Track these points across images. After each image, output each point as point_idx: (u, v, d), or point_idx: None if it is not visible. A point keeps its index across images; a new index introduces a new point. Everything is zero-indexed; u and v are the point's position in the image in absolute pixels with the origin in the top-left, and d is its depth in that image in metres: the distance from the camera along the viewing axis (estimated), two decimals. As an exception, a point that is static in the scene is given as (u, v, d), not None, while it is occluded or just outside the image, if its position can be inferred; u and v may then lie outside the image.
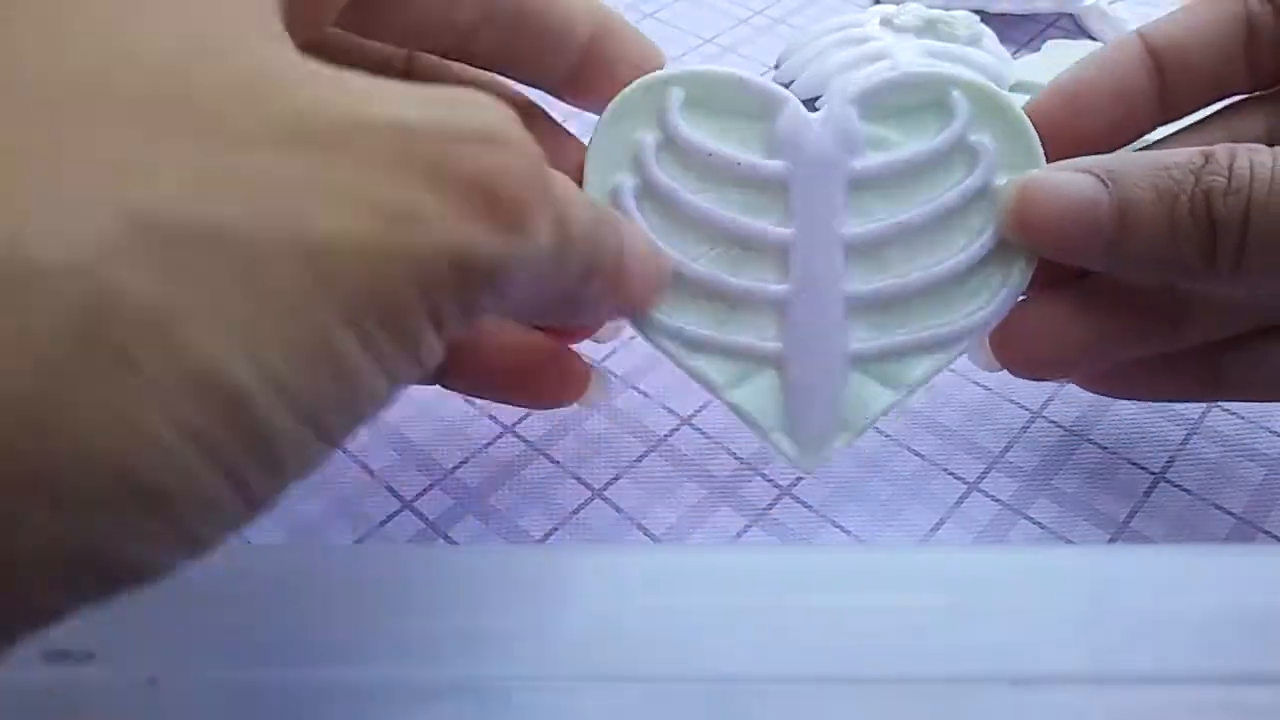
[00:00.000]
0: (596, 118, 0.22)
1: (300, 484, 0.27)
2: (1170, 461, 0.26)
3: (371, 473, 0.26)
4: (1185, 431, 0.27)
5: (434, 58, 0.22)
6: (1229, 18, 0.22)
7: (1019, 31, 0.42)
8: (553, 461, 0.26)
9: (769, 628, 0.18)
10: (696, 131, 0.23)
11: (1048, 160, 0.22)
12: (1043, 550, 0.23)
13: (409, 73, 0.22)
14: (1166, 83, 0.22)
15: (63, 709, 0.17)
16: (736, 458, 0.26)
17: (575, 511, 0.25)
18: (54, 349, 0.11)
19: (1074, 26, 0.42)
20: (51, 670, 0.17)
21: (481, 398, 0.26)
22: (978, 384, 0.28)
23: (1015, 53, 0.40)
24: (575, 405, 0.24)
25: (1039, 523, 0.25)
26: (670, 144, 0.23)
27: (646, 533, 0.25)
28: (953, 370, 0.28)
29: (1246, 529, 0.25)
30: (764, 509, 0.25)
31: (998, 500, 0.25)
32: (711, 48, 0.42)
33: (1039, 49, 0.40)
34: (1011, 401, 0.28)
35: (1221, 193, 0.19)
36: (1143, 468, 0.26)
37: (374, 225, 0.13)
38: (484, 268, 0.14)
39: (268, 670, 0.18)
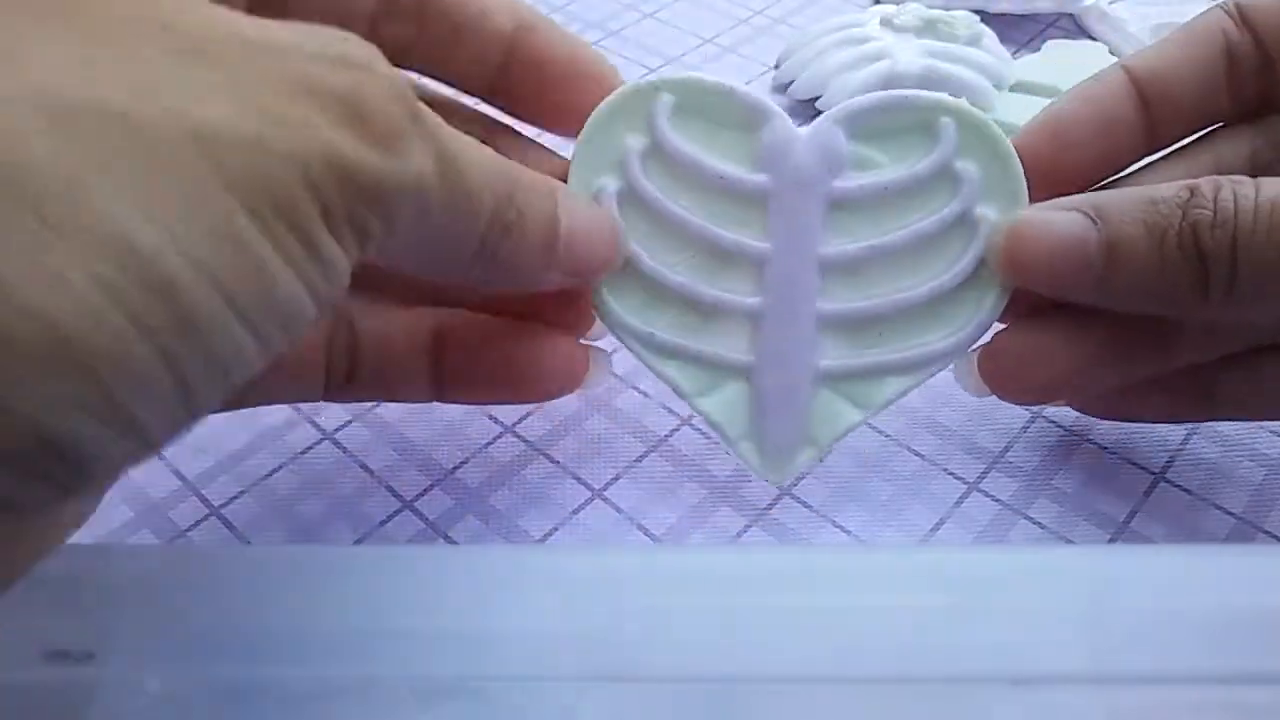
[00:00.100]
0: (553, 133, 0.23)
1: (300, 484, 0.27)
2: (1170, 461, 0.26)
3: (371, 473, 0.26)
4: (1185, 431, 0.27)
5: None
6: (1210, 47, 0.23)
7: (1019, 31, 0.42)
8: (553, 461, 0.26)
9: (769, 628, 0.18)
10: (684, 139, 0.23)
11: (1032, 191, 0.22)
12: (1043, 550, 0.23)
13: None
14: (1152, 114, 0.23)
15: (63, 709, 0.17)
16: (736, 458, 0.26)
17: (575, 511, 0.25)
18: None
19: (1074, 26, 0.42)
20: (51, 670, 0.17)
21: (483, 402, 0.26)
22: (978, 384, 0.28)
23: (1015, 53, 0.40)
24: (578, 390, 0.24)
25: (1039, 523, 0.25)
26: (657, 150, 0.23)
27: (646, 533, 0.25)
28: (953, 370, 0.28)
29: (1246, 529, 0.25)
30: (764, 509, 0.25)
31: (998, 500, 0.25)
32: (711, 48, 0.42)
33: (1039, 49, 0.40)
34: (1011, 401, 0.28)
35: (1209, 225, 0.19)
36: (1143, 468, 0.26)
37: (255, 123, 0.14)
38: (363, 178, 0.15)
39: (268, 670, 0.18)
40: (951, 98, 0.23)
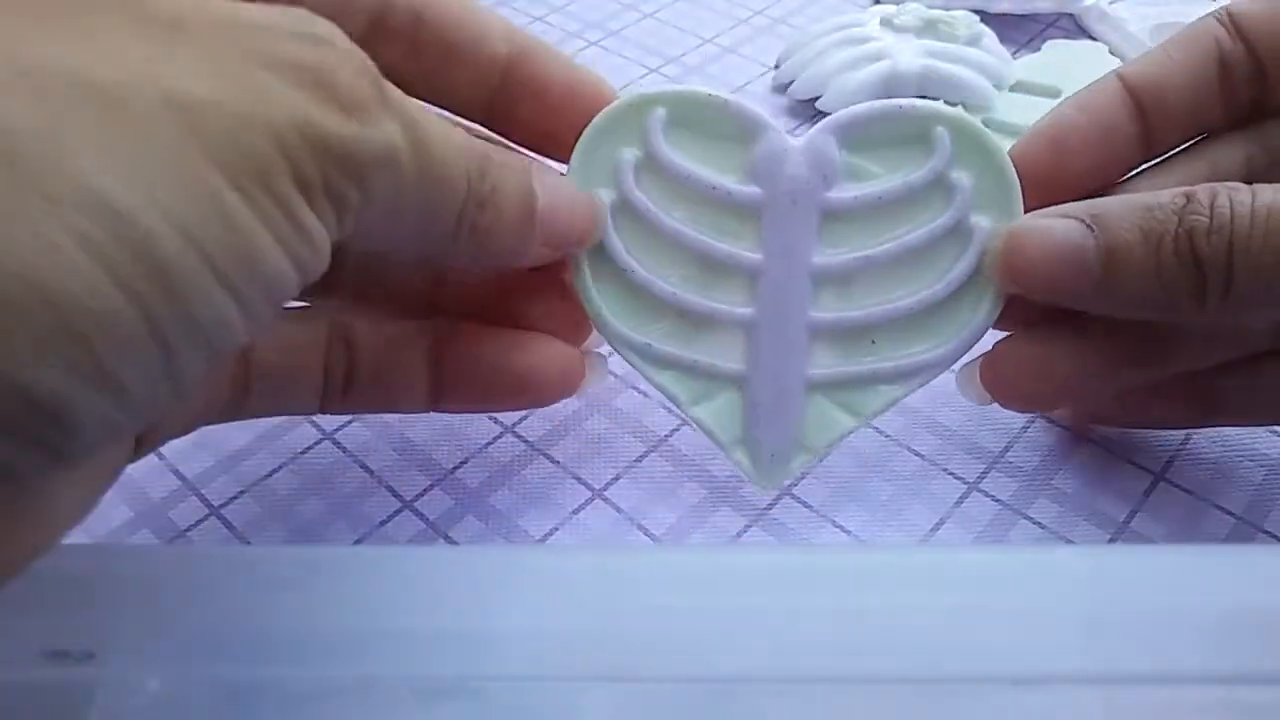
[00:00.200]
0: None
1: (300, 484, 0.27)
2: (1170, 461, 0.26)
3: (371, 473, 0.26)
4: (1185, 432, 0.27)
5: None
6: (1203, 55, 0.23)
7: (1019, 31, 0.42)
8: (553, 461, 0.26)
9: (769, 628, 0.18)
10: (677, 151, 0.23)
11: (1028, 201, 0.22)
12: (1043, 550, 0.23)
13: None
14: (1147, 122, 0.23)
15: (63, 709, 0.17)
16: (736, 458, 0.26)
17: (575, 511, 0.25)
18: None
19: (1074, 26, 0.42)
20: (51, 670, 0.17)
21: (481, 410, 0.26)
22: (978, 384, 0.28)
23: (1015, 53, 0.40)
24: (576, 394, 0.24)
25: (1039, 523, 0.25)
26: (650, 162, 0.23)
27: (646, 533, 0.25)
28: (953, 370, 0.28)
29: (1246, 529, 0.25)
30: (764, 509, 0.25)
31: (998, 500, 0.25)
32: (711, 48, 0.42)
33: (1039, 49, 0.40)
34: (1011, 401, 0.28)
35: (1204, 232, 0.19)
36: (1143, 468, 0.26)
37: (228, 92, 0.14)
38: (335, 146, 0.15)
39: (268, 670, 0.18)
40: (947, 107, 0.23)
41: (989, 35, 0.39)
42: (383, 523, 0.25)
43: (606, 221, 0.23)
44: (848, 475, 0.26)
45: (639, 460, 0.26)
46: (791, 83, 0.38)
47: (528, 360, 0.23)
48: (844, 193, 0.23)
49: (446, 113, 0.22)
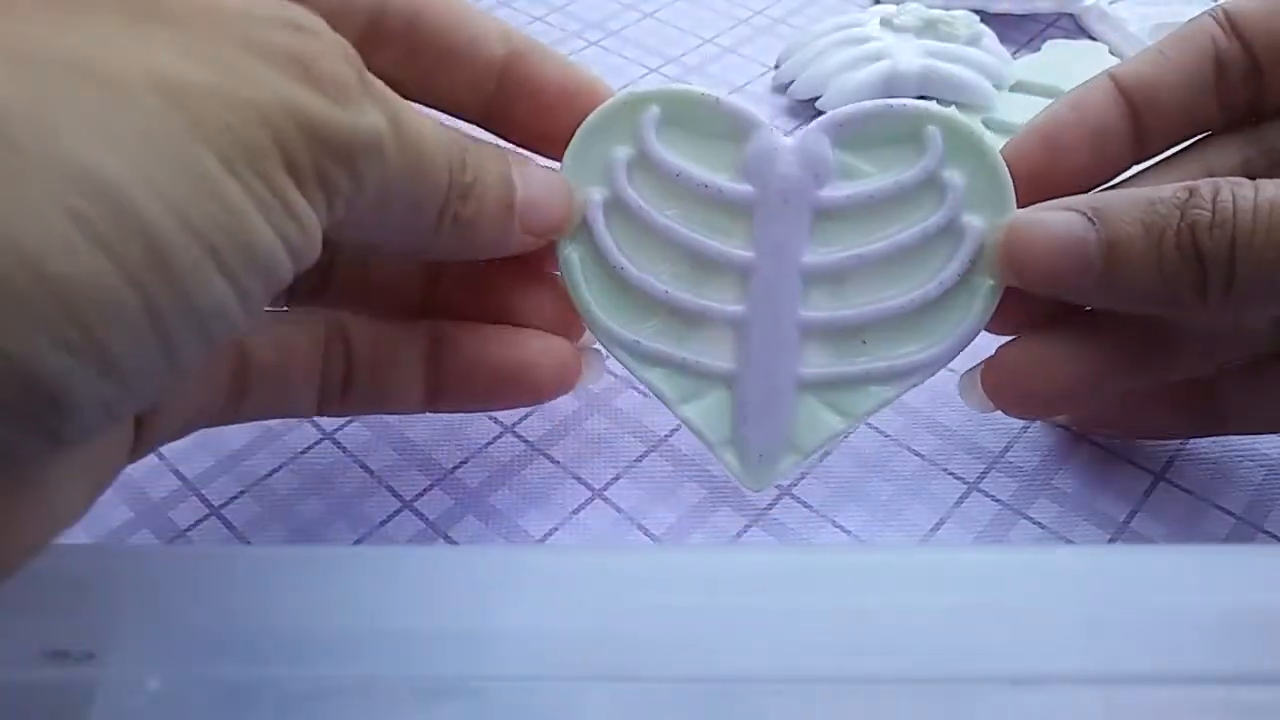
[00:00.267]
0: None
1: (300, 484, 0.27)
2: (1170, 461, 0.26)
3: (371, 473, 0.26)
4: (1185, 431, 0.27)
5: None
6: (1198, 55, 0.23)
7: (1019, 31, 0.42)
8: (553, 461, 0.26)
9: (769, 628, 0.18)
10: (669, 150, 0.23)
11: (1020, 201, 0.22)
12: (1043, 550, 0.23)
13: None
14: (1140, 122, 0.23)
15: (63, 709, 0.17)
16: (736, 458, 0.26)
17: (575, 511, 0.25)
18: None
19: (1074, 26, 0.42)
20: (51, 670, 0.17)
21: (478, 409, 0.26)
22: (978, 384, 0.28)
23: (1015, 53, 0.40)
24: (573, 390, 0.24)
25: (1039, 523, 0.25)
26: (642, 160, 0.23)
27: (646, 533, 0.25)
28: (953, 370, 0.28)
29: (1246, 529, 0.25)
30: (764, 509, 0.25)
31: (998, 500, 0.25)
32: (711, 48, 0.42)
33: (1039, 49, 0.40)
34: (1011, 401, 0.27)
35: (1207, 226, 0.19)
36: (1143, 468, 0.26)
37: (217, 75, 0.14)
38: (323, 129, 0.15)
39: (267, 670, 0.18)
40: (939, 107, 0.23)
41: (989, 35, 0.39)
42: (383, 523, 0.25)
43: (594, 212, 0.23)
44: (848, 475, 0.26)
45: (639, 460, 0.26)
46: (791, 83, 0.38)
47: (524, 357, 0.23)
48: (836, 191, 0.23)
49: (439, 114, 0.22)
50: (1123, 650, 0.18)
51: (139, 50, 0.14)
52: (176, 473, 0.26)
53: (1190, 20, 0.23)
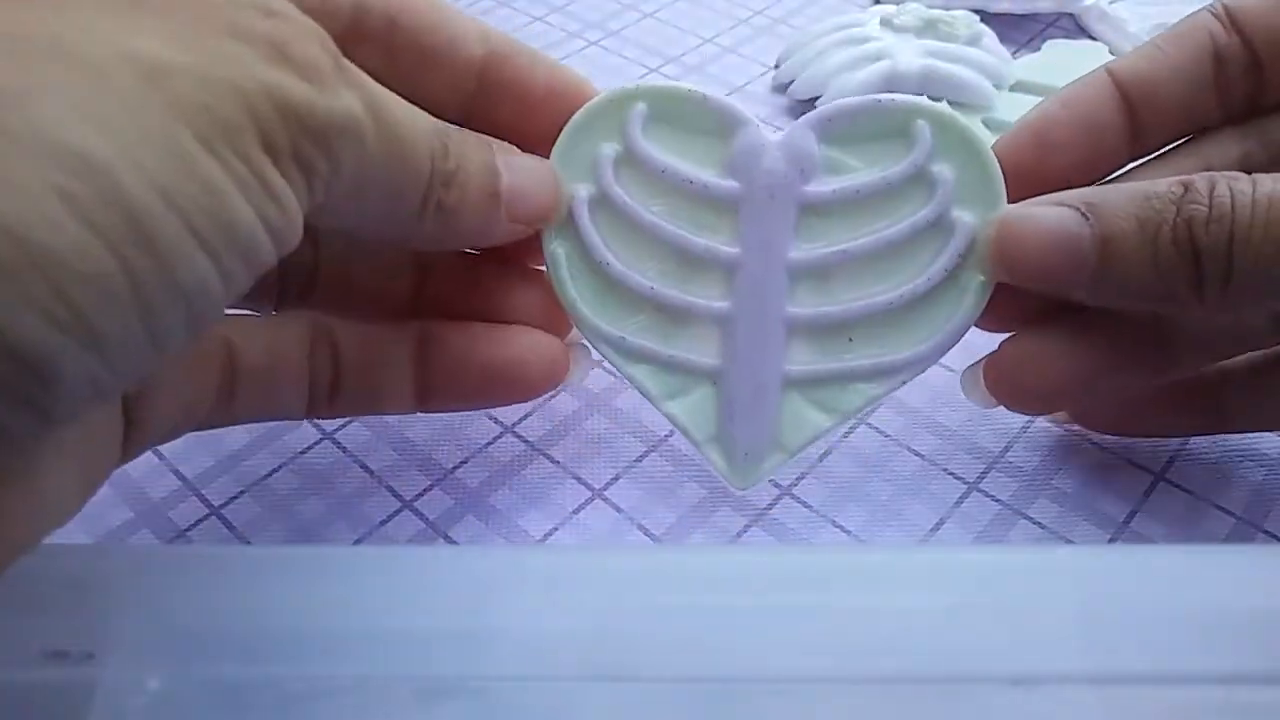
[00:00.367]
0: None
1: (300, 484, 0.27)
2: (1170, 461, 0.26)
3: (371, 473, 0.26)
4: (1185, 431, 0.27)
5: None
6: (1196, 49, 0.22)
7: (1019, 31, 0.42)
8: (553, 461, 0.26)
9: (769, 628, 0.18)
10: (656, 146, 0.23)
11: (1011, 197, 0.22)
12: (1043, 550, 0.23)
13: None
14: (1137, 118, 0.22)
15: (63, 709, 0.17)
16: (736, 458, 0.26)
17: (575, 511, 0.25)
18: None
19: (1074, 26, 0.42)
20: (51, 670, 0.17)
21: (467, 408, 0.26)
22: (978, 384, 0.28)
23: (1015, 53, 0.40)
24: (562, 385, 0.24)
25: (1039, 523, 0.25)
26: (629, 157, 0.23)
27: (646, 533, 0.25)
28: (952, 370, 0.28)
29: (1246, 529, 0.25)
30: (764, 509, 0.25)
31: (998, 500, 0.25)
32: (711, 48, 0.42)
33: (1039, 49, 0.40)
34: (1011, 401, 0.27)
35: (1203, 221, 0.19)
36: (1143, 468, 0.26)
37: (195, 58, 0.14)
38: (300, 110, 0.15)
39: (267, 670, 0.18)
40: (928, 101, 0.23)
41: (989, 35, 0.39)
42: (383, 523, 0.25)
43: (580, 208, 0.23)
44: (848, 475, 0.26)
45: (639, 460, 0.26)
46: (791, 83, 0.38)
47: (512, 354, 0.23)
48: (822, 187, 0.23)
49: None
50: (1123, 650, 0.18)
51: (118, 34, 0.14)
52: (176, 473, 0.26)
53: (1189, 15, 0.23)
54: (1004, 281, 0.22)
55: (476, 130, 0.23)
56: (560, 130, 0.23)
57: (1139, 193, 0.20)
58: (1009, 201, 0.22)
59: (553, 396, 0.27)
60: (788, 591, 0.19)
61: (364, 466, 0.26)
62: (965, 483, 0.26)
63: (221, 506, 0.25)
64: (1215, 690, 0.17)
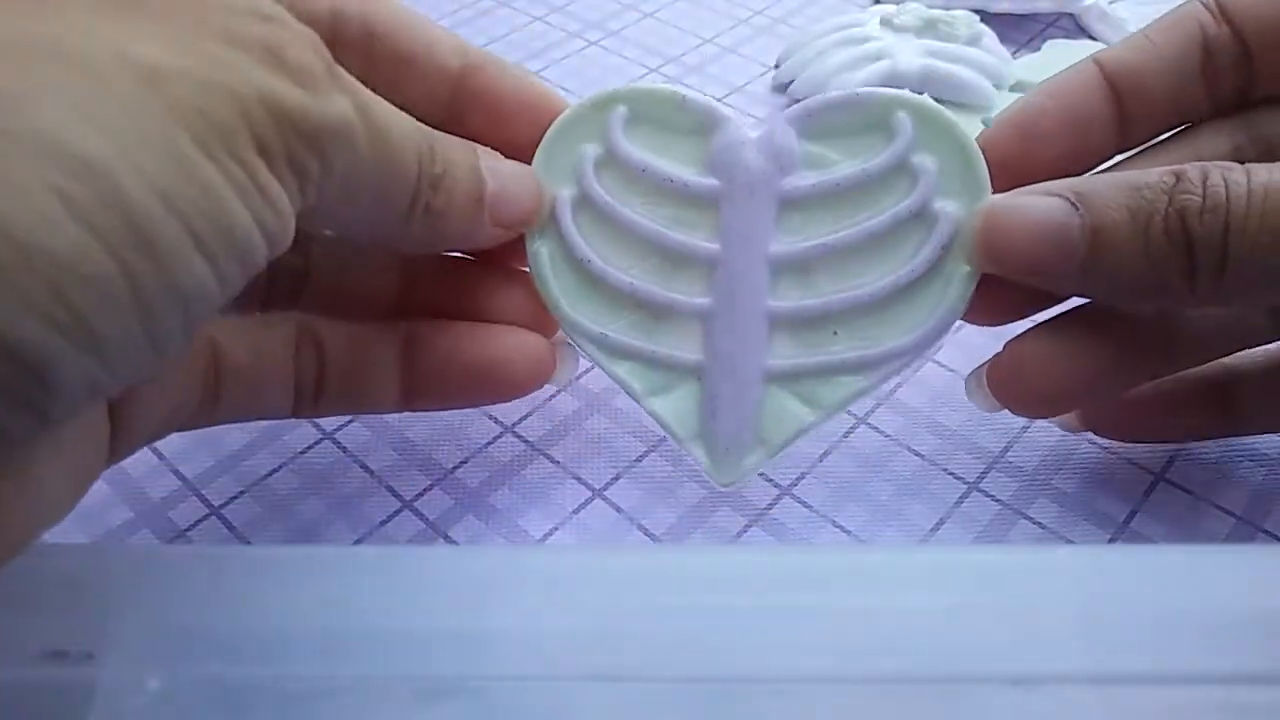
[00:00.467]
0: None
1: (300, 484, 0.27)
2: (1170, 461, 0.26)
3: (371, 473, 0.26)
4: (1185, 431, 0.27)
5: None
6: (1186, 41, 0.22)
7: (1019, 31, 0.42)
8: (553, 461, 0.26)
9: (769, 628, 0.18)
10: (637, 147, 0.23)
11: (996, 188, 0.22)
12: (1043, 550, 0.23)
13: None
14: (1124, 109, 0.22)
15: (63, 709, 0.17)
16: (736, 458, 0.26)
17: (575, 511, 0.25)
18: None
19: (1074, 26, 0.42)
20: (51, 670, 0.17)
21: (453, 406, 0.26)
22: (978, 384, 0.28)
23: (1015, 53, 0.40)
24: (549, 383, 0.24)
25: (1039, 523, 0.25)
26: (610, 157, 0.23)
27: (646, 533, 0.25)
28: (952, 370, 0.28)
29: (1246, 529, 0.25)
30: (764, 509, 0.25)
31: (998, 500, 0.25)
32: (711, 48, 0.42)
33: (1039, 49, 0.40)
34: (1011, 401, 0.27)
35: (1197, 211, 0.19)
36: (1143, 468, 0.26)
37: (190, 61, 0.14)
38: (294, 113, 0.15)
39: (267, 670, 0.18)
40: (909, 93, 0.23)
41: (989, 35, 0.39)
42: (383, 523, 0.25)
43: (562, 208, 0.23)
44: (848, 475, 0.26)
45: (639, 460, 0.26)
46: (791, 83, 0.38)
47: (496, 353, 0.23)
48: (801, 181, 0.23)
49: None
50: (1122, 650, 0.18)
51: (116, 38, 0.14)
52: (176, 473, 0.26)
53: (1178, 6, 0.23)
54: (990, 273, 0.21)
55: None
56: (533, 139, 0.23)
57: (1130, 182, 0.20)
58: (994, 194, 0.22)
59: (553, 396, 0.28)
60: (788, 591, 0.19)
61: (364, 466, 0.26)
62: (965, 483, 0.26)
63: (221, 506, 0.25)
64: (1215, 690, 0.17)
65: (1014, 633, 0.18)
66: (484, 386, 0.23)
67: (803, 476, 0.26)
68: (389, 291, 0.24)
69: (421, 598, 0.19)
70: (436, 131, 0.20)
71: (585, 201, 0.23)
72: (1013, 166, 0.22)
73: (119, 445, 0.19)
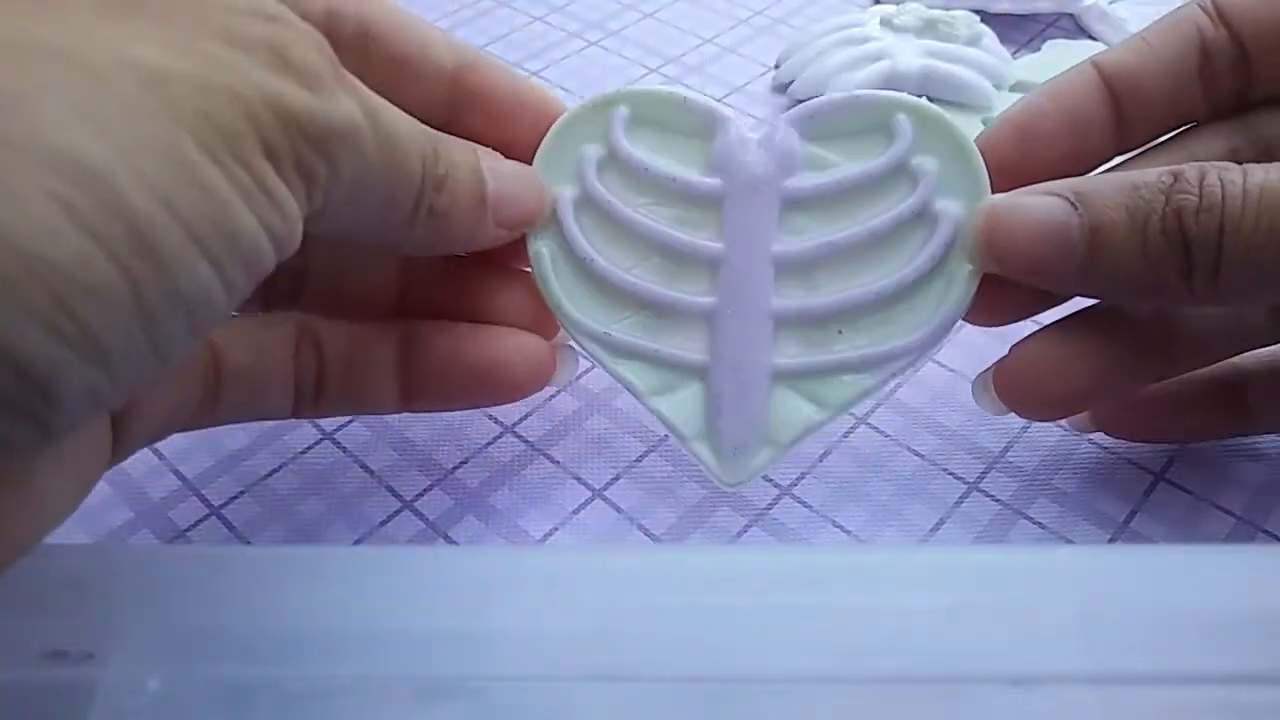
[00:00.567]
0: None
1: (300, 484, 0.27)
2: (1170, 461, 0.26)
3: (371, 473, 0.26)
4: (1185, 431, 0.27)
5: None
6: (1184, 43, 0.22)
7: (1019, 31, 0.42)
8: (553, 461, 0.26)
9: (769, 628, 0.18)
10: (638, 148, 0.23)
11: (995, 189, 0.22)
12: (1043, 550, 0.23)
13: None
14: (1122, 111, 0.22)
15: (63, 709, 0.17)
16: (736, 458, 0.26)
17: (575, 511, 0.25)
18: None
19: (1074, 26, 0.42)
20: (51, 670, 0.17)
21: (452, 407, 0.26)
22: (978, 384, 0.28)
23: (1015, 53, 0.40)
24: (549, 385, 0.24)
25: (1039, 523, 0.25)
26: (613, 158, 0.23)
27: (646, 533, 0.25)
28: (952, 370, 0.28)
29: (1246, 529, 0.25)
30: (764, 509, 0.25)
31: (998, 500, 0.25)
32: (711, 48, 0.42)
33: (1039, 49, 0.40)
34: (1011, 401, 0.27)
35: (1193, 211, 0.19)
36: (1143, 468, 0.26)
37: (193, 64, 0.14)
38: (300, 116, 0.15)
39: (267, 670, 0.18)
40: (908, 96, 0.23)
41: (989, 35, 0.39)
42: (383, 523, 0.25)
43: (564, 208, 0.23)
44: (848, 475, 0.26)
45: (639, 460, 0.26)
46: (791, 83, 0.38)
47: (496, 355, 0.23)
48: (803, 181, 0.23)
49: None
50: (1122, 650, 0.18)
51: (117, 40, 0.14)
52: (176, 473, 0.26)
53: (1176, 9, 0.23)
54: (992, 272, 0.22)
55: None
56: (532, 139, 0.23)
57: (1128, 182, 0.20)
58: (994, 194, 0.22)
59: (553, 397, 0.28)
60: (788, 591, 0.19)
61: (364, 466, 0.26)
62: (965, 483, 0.26)
63: (221, 506, 0.25)
64: (1215, 690, 0.17)
65: (1014, 633, 0.18)
66: (484, 388, 0.23)
67: (803, 476, 0.26)
68: (389, 292, 0.24)
69: (421, 598, 0.19)
70: (438, 133, 0.20)
71: (587, 201, 0.23)
72: (1012, 168, 0.22)
73: (119, 446, 0.19)
